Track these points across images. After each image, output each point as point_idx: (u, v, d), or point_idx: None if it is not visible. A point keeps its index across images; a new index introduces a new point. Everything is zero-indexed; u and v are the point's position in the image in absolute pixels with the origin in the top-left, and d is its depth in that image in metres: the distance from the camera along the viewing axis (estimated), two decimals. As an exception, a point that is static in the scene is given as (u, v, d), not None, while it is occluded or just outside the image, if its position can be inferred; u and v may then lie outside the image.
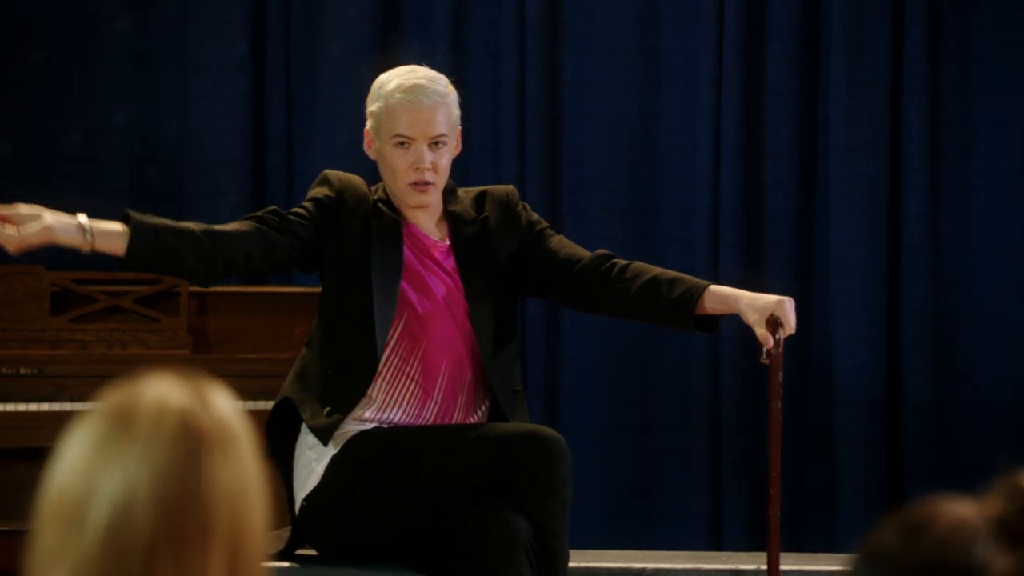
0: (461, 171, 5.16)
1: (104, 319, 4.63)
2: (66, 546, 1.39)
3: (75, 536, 1.39)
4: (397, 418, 3.35)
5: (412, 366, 3.36)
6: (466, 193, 3.53)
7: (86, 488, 1.40)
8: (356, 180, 3.46)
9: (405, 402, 3.36)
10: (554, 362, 5.10)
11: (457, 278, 3.41)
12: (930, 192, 5.04)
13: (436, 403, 3.37)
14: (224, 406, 1.45)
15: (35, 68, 5.07)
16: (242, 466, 1.44)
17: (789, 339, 5.03)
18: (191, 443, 1.42)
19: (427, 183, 3.38)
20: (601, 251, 3.46)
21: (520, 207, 3.52)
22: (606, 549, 3.81)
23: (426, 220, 3.45)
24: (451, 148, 3.44)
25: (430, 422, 3.36)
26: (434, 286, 3.40)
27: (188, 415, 1.43)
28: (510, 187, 3.57)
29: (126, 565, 1.38)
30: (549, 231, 3.52)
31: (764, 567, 3.49)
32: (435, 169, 3.38)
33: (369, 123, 3.44)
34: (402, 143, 3.38)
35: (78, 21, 5.08)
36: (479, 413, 3.40)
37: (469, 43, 5.15)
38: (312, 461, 3.33)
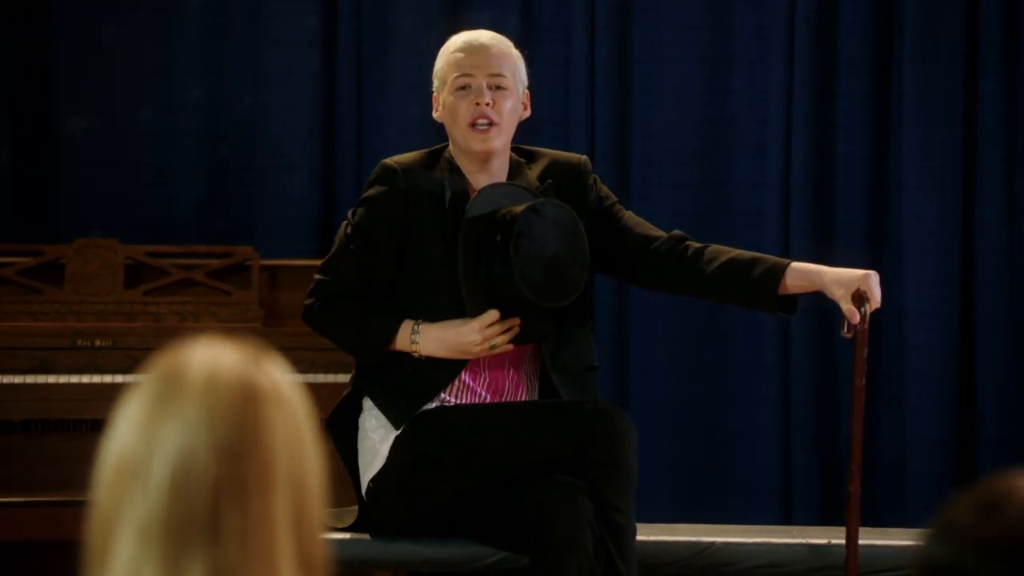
0: (532, 144, 5.15)
1: (177, 292, 4.67)
2: (130, 504, 1.40)
3: (139, 493, 1.40)
4: (448, 398, 3.36)
5: None
6: (538, 162, 3.50)
7: (147, 442, 1.41)
8: (414, 157, 3.42)
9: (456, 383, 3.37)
10: (624, 336, 5.10)
11: None
12: (1004, 164, 5.00)
13: (485, 378, 3.37)
14: (275, 369, 1.47)
15: (109, 44, 5.11)
16: (297, 419, 1.45)
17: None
18: (247, 393, 1.43)
19: (488, 120, 3.35)
20: (676, 232, 3.44)
21: (591, 180, 3.49)
22: (675, 523, 3.81)
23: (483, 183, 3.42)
24: (514, 99, 3.41)
25: (482, 401, 3.37)
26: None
27: (242, 371, 1.44)
28: (583, 157, 3.54)
29: (192, 514, 1.39)
30: (619, 207, 3.48)
31: (834, 541, 3.48)
32: (496, 108, 3.36)
33: (435, 85, 3.44)
34: (463, 86, 3.38)
35: (151, -3, 5.12)
36: (531, 391, 3.40)
37: (539, 17, 5.14)
38: (376, 443, 3.34)
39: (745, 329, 5.06)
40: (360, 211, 3.39)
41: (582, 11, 5.09)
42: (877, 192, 5.07)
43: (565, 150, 5.11)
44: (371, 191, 3.39)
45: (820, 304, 5.03)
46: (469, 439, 3.24)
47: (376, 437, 3.34)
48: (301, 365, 4.42)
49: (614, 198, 3.50)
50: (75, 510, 4.24)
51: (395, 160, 3.41)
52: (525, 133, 5.21)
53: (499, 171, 3.43)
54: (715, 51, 5.10)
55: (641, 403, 5.06)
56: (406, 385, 3.33)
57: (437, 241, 3.33)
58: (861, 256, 5.05)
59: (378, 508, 3.34)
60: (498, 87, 3.38)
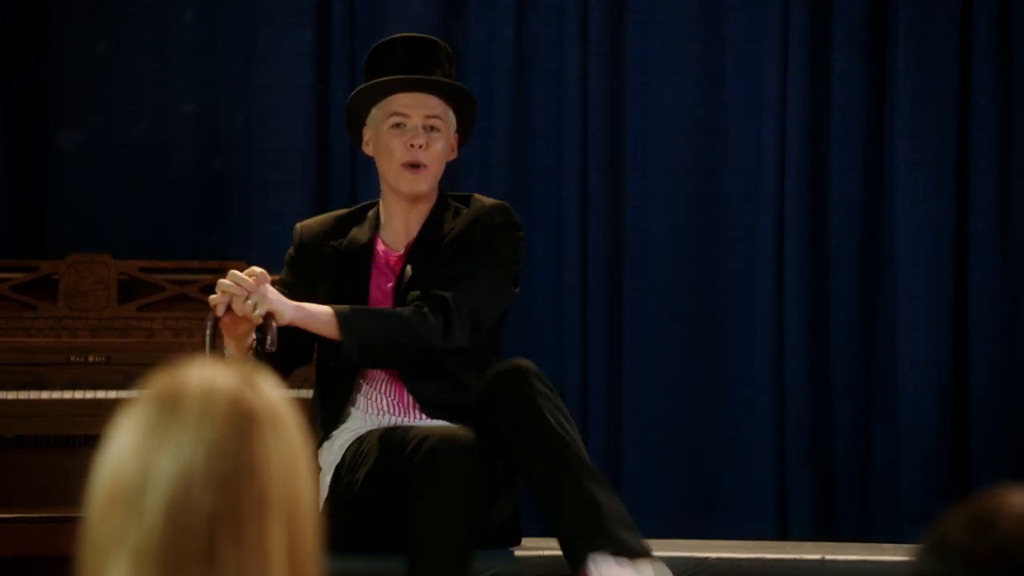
0: (525, 157, 5.17)
1: (170, 307, 4.67)
2: (125, 531, 1.40)
3: (134, 521, 1.40)
4: (354, 410, 3.41)
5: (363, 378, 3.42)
6: (463, 216, 3.45)
7: (142, 471, 1.41)
8: (318, 222, 3.52)
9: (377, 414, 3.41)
10: (618, 351, 5.09)
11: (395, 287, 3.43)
12: (999, 178, 5.00)
13: (398, 413, 3.40)
14: (269, 387, 1.47)
15: (102, 59, 5.11)
16: (291, 442, 1.45)
17: (857, 325, 5.04)
18: (242, 420, 1.43)
19: (419, 164, 3.38)
20: (431, 295, 3.35)
21: (489, 227, 3.42)
22: (670, 539, 3.80)
23: (402, 226, 3.45)
24: (446, 140, 3.43)
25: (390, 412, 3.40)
26: (372, 297, 3.43)
27: (236, 394, 1.44)
28: (500, 204, 3.48)
29: (187, 544, 1.39)
30: (475, 257, 3.39)
31: (829, 557, 3.48)
32: (428, 149, 3.37)
33: (368, 118, 3.48)
34: (398, 124, 3.39)
35: (145, 11, 5.12)
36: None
37: (533, 30, 5.14)
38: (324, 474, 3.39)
39: (739, 342, 5.06)
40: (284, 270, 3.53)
41: (575, 24, 5.10)
42: (871, 205, 5.08)
43: (559, 163, 5.15)
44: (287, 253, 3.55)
45: (815, 316, 5.04)
46: (381, 445, 3.25)
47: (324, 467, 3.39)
48: (294, 380, 4.42)
49: (489, 249, 3.40)
50: (68, 526, 4.23)
51: (299, 225, 3.56)
52: (521, 147, 5.23)
53: (423, 211, 3.45)
54: (709, 63, 5.11)
55: (635, 417, 5.05)
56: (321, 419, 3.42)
57: (339, 277, 3.43)
58: (855, 269, 5.06)
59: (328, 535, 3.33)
60: (432, 127, 3.40)
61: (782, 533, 4.97)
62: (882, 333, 5.05)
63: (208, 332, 3.21)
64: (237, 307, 3.14)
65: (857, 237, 5.06)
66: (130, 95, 5.11)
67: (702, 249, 5.10)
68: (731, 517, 5.01)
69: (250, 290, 3.15)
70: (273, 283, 3.25)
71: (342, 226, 3.50)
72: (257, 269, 3.19)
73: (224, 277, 3.19)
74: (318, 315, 3.25)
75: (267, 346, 3.16)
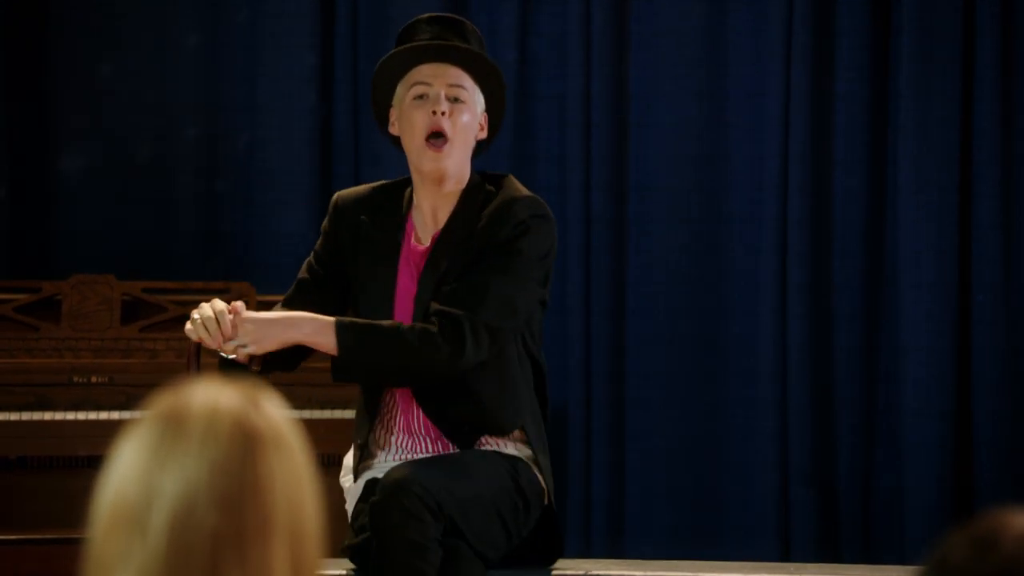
0: (527, 180, 5.17)
1: (173, 328, 4.67)
2: (129, 550, 1.40)
3: (138, 540, 1.40)
4: (393, 441, 3.31)
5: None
6: (492, 203, 3.30)
7: (146, 491, 1.42)
8: (355, 192, 3.37)
9: (393, 427, 3.32)
10: (619, 373, 5.09)
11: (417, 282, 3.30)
12: (1001, 200, 5.01)
13: (407, 447, 3.30)
14: (273, 408, 1.47)
15: (105, 81, 5.12)
16: (295, 463, 1.46)
17: (859, 346, 5.04)
18: (246, 440, 1.43)
19: (443, 133, 3.23)
20: (439, 310, 3.21)
21: (513, 224, 3.24)
22: (672, 560, 3.80)
23: (430, 211, 3.30)
24: (472, 114, 3.28)
25: (415, 437, 3.29)
26: (397, 295, 3.30)
27: (240, 415, 1.45)
28: (528, 197, 3.30)
29: (191, 564, 1.39)
30: (491, 261, 3.23)
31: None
32: (451, 119, 3.24)
33: (394, 98, 3.34)
34: (421, 95, 3.26)
35: (147, 34, 5.13)
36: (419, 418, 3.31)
37: (536, 53, 5.16)
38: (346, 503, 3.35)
39: (741, 363, 5.06)
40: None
41: (578, 46, 5.11)
42: (874, 226, 5.08)
43: (562, 184, 5.15)
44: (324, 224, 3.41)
45: (818, 337, 5.05)
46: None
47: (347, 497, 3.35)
48: (298, 401, 4.42)
49: (512, 250, 3.22)
50: (71, 547, 4.23)
51: (338, 194, 3.40)
52: (524, 168, 5.23)
53: (452, 192, 3.30)
54: (712, 85, 5.12)
55: (637, 438, 5.06)
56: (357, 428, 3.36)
57: (368, 262, 3.31)
58: (857, 291, 5.06)
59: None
60: (456, 98, 3.27)
61: (785, 555, 4.97)
62: (885, 354, 5.05)
63: (193, 359, 3.19)
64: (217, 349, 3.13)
65: (859, 258, 5.07)
66: (133, 117, 5.12)
67: (704, 270, 5.11)
68: (734, 539, 5.00)
69: (228, 337, 3.10)
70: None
71: (377, 199, 3.34)
72: (228, 322, 3.10)
73: (228, 297, 3.15)
74: (318, 331, 3.15)
75: (251, 367, 3.15)
